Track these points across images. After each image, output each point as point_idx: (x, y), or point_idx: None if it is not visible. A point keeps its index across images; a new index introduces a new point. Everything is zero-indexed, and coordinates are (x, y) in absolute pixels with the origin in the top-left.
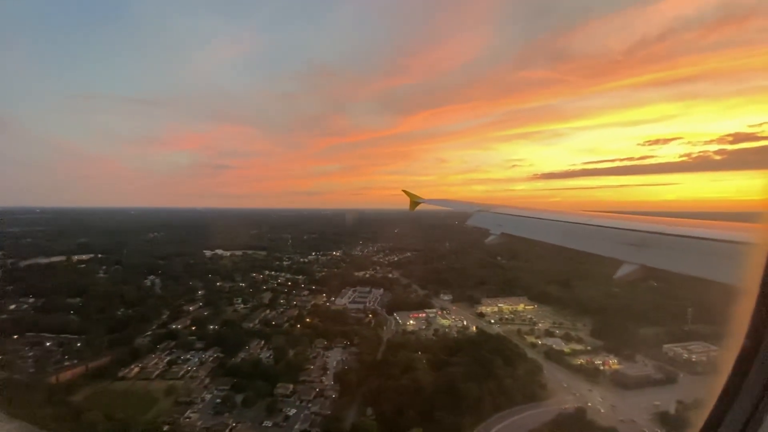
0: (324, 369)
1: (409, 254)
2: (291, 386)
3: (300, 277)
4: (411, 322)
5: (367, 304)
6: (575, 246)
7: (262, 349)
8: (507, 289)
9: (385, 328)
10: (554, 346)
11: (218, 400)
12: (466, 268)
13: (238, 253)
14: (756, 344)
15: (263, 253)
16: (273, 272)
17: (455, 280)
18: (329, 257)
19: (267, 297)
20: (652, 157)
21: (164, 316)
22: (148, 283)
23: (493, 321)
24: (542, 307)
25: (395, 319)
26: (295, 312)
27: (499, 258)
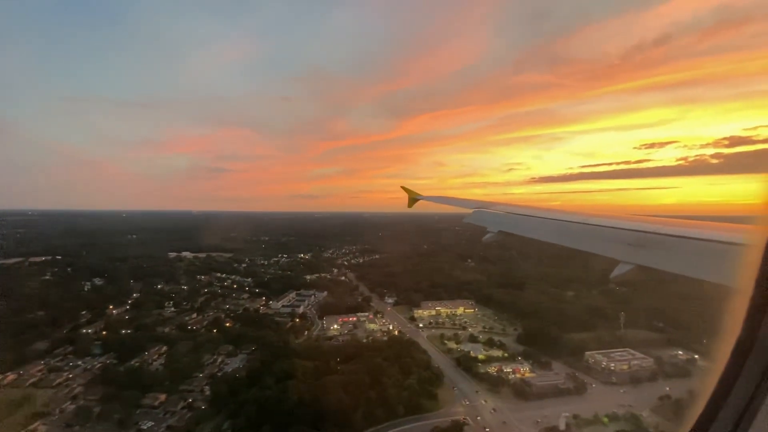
0: (212, 377)
1: (377, 256)
2: (163, 396)
3: (249, 279)
4: (335, 326)
5: (301, 308)
6: (572, 245)
7: (161, 355)
8: (459, 291)
9: (307, 332)
10: (471, 352)
11: (76, 412)
12: (430, 270)
13: (202, 255)
14: (749, 342)
15: (228, 255)
16: (223, 274)
17: (409, 282)
18: (293, 260)
19: (201, 300)
20: (649, 160)
21: (82, 320)
22: (87, 285)
23: (422, 325)
24: (484, 311)
25: (322, 323)
26: (221, 315)
27: (469, 261)
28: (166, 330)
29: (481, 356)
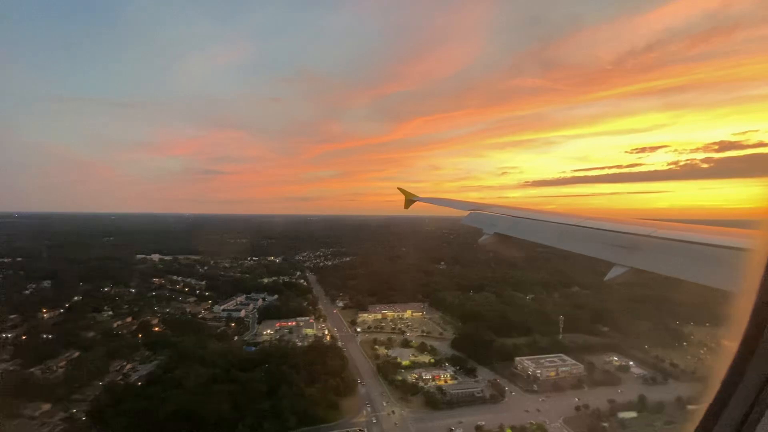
0: (111, 385)
1: (349, 259)
2: (48, 406)
3: (203, 282)
4: (268, 331)
5: (243, 312)
6: (567, 247)
7: (69, 361)
8: (415, 294)
9: (237, 338)
10: (398, 358)
11: None
12: (395, 273)
13: (168, 258)
14: (751, 345)
15: (196, 257)
16: (179, 277)
17: (369, 285)
18: (260, 262)
19: (142, 304)
20: (641, 165)
21: (9, 323)
22: (32, 288)
23: (360, 330)
24: (434, 314)
25: (257, 328)
26: (150, 320)
27: (442, 263)
28: (90, 335)
29: (405, 362)
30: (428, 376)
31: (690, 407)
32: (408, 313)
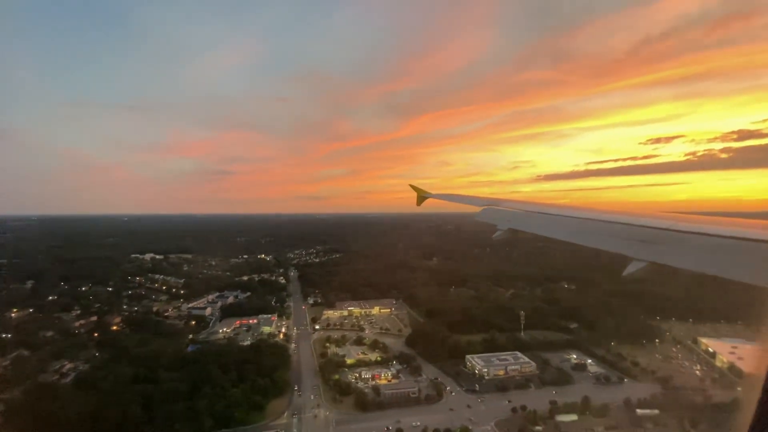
0: (39, 386)
1: (337, 256)
2: None
3: (181, 280)
4: (225, 329)
5: (208, 310)
6: (583, 242)
7: (14, 360)
8: (391, 291)
9: (191, 336)
10: (345, 356)
11: None
12: (379, 269)
13: (159, 257)
14: None
15: (187, 256)
16: (161, 275)
17: (346, 281)
18: (248, 260)
19: (115, 302)
20: (657, 156)
21: None
22: (13, 287)
23: (319, 327)
24: (403, 311)
25: (217, 326)
26: (110, 319)
27: (434, 259)
28: (49, 334)
29: (350, 361)
30: (368, 375)
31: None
32: (376, 310)
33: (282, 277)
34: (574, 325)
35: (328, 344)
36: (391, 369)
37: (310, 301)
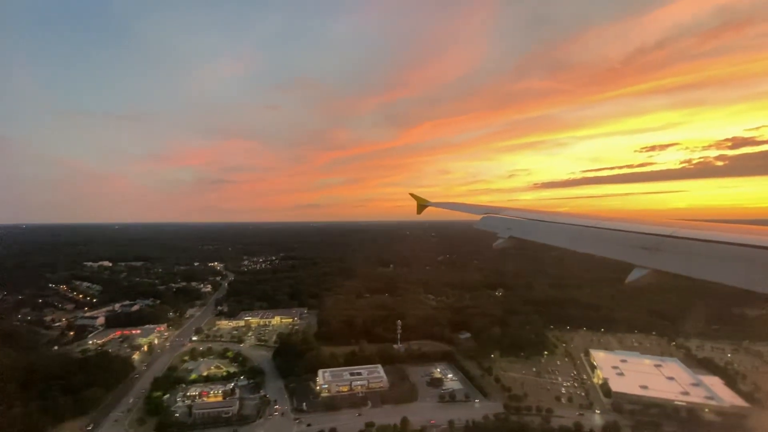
0: None
1: (290, 263)
2: None
3: (101, 288)
4: (95, 341)
5: (99, 319)
6: (585, 249)
7: None
8: (310, 299)
9: (56, 347)
10: (193, 370)
11: None
12: (316, 276)
13: (107, 264)
14: None
15: (139, 263)
16: (86, 283)
17: (267, 290)
18: (195, 268)
19: (11, 310)
20: (653, 164)
21: None
22: None
23: (197, 338)
24: (305, 321)
25: (95, 336)
26: None
27: (391, 266)
28: None
29: (194, 376)
30: (195, 392)
31: None
32: (276, 320)
33: (211, 285)
34: (466, 335)
35: (187, 357)
36: (229, 385)
37: (219, 310)
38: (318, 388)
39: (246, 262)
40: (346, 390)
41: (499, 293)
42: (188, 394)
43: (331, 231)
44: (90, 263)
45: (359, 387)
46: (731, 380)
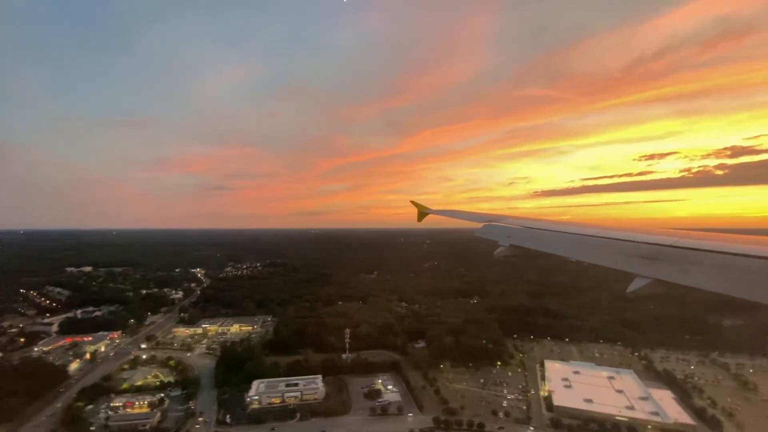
0: None
1: (271, 270)
2: None
3: (69, 294)
4: (42, 348)
5: (54, 326)
6: (586, 258)
7: None
8: (274, 306)
9: (1, 354)
10: (127, 379)
11: None
12: (290, 283)
13: (88, 269)
14: None
15: (120, 269)
16: (57, 288)
17: (236, 297)
18: (174, 274)
19: None
20: (652, 172)
21: None
22: None
23: (146, 346)
24: (264, 329)
25: (49, 342)
26: None
27: (375, 273)
28: None
29: (126, 385)
30: (120, 403)
31: None
32: (235, 328)
33: (183, 292)
34: (421, 345)
35: (127, 366)
36: (157, 396)
37: (181, 315)
38: (248, 399)
39: (229, 269)
40: (278, 402)
41: (474, 301)
42: (112, 405)
43: (328, 238)
44: (71, 269)
45: (292, 399)
46: (685, 394)
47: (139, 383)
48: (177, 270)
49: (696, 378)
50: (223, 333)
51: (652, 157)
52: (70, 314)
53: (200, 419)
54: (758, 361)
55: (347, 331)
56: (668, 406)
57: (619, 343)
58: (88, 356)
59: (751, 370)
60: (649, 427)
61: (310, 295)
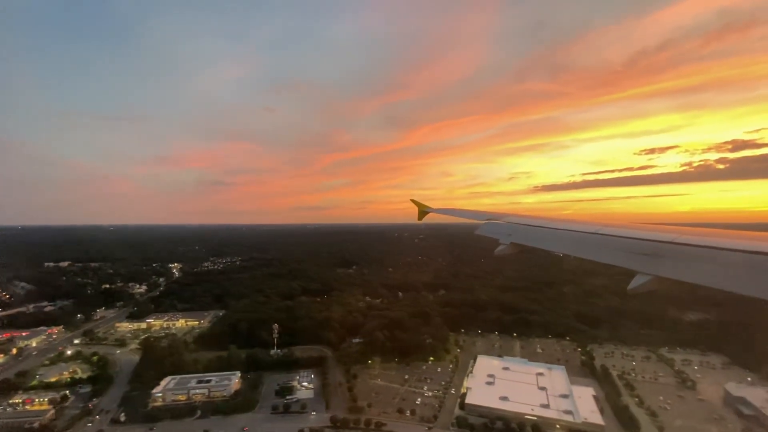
0: None
1: (246, 265)
2: None
3: (29, 287)
4: None
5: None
6: (587, 256)
7: None
8: (233, 301)
9: None
10: (43, 376)
11: None
12: (256, 278)
13: (64, 264)
14: None
15: (98, 264)
16: (22, 283)
17: (196, 292)
18: (148, 269)
19: None
20: (654, 167)
21: None
22: None
23: (79, 342)
24: (211, 324)
25: None
26: None
27: (353, 268)
28: None
29: (35, 382)
30: (20, 400)
31: None
32: (181, 323)
33: (147, 286)
34: (358, 340)
35: (48, 362)
36: (60, 394)
37: (132, 310)
38: (152, 397)
39: (207, 264)
40: (183, 399)
41: (438, 294)
42: (11, 402)
43: (324, 233)
44: (49, 264)
45: (198, 396)
46: (615, 392)
47: (52, 380)
48: (154, 264)
49: (634, 374)
50: (167, 328)
51: (653, 151)
52: (22, 309)
53: (95, 417)
54: (708, 357)
55: (275, 326)
56: (584, 404)
57: (567, 338)
58: (14, 351)
59: (696, 367)
60: (557, 426)
61: (272, 290)
